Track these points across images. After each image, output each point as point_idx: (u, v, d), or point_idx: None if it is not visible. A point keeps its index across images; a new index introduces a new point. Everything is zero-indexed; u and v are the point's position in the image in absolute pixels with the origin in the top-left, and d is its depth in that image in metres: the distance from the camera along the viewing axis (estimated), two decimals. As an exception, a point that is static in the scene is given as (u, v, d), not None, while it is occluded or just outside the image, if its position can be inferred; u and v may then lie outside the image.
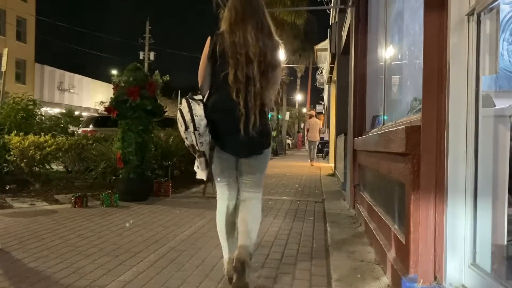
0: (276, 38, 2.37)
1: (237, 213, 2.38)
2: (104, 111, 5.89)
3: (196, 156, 2.27)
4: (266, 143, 2.37)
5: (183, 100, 2.23)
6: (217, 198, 2.44)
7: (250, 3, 2.32)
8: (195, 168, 2.36)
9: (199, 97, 2.28)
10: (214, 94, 2.30)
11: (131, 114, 5.26)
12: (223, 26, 2.33)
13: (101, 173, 6.04)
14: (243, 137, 2.21)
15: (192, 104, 2.19)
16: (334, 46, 9.35)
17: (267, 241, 3.33)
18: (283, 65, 2.41)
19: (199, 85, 2.35)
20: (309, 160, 13.89)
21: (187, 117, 2.17)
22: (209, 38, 2.32)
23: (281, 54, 2.41)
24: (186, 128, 2.19)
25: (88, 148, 6.44)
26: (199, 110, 2.19)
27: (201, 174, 2.36)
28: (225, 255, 2.38)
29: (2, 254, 2.85)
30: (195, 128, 2.17)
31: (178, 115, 2.21)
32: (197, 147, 2.22)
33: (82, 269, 2.56)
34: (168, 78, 5.91)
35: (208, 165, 2.30)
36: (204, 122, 2.19)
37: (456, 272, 1.90)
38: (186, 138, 2.23)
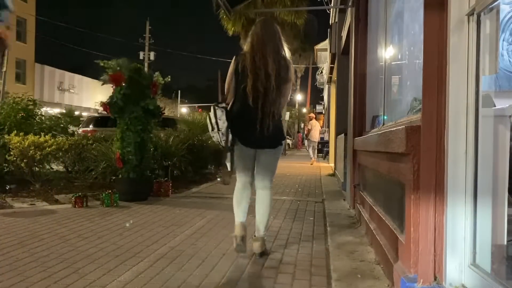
0: (289, 59, 2.93)
1: (249, 192, 2.97)
2: (103, 110, 5.89)
3: (224, 151, 2.89)
4: (279, 139, 2.95)
5: (211, 108, 2.83)
6: (237, 181, 3.01)
7: (268, 30, 2.90)
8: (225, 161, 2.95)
9: (223, 105, 2.85)
10: (236, 102, 2.88)
11: (122, 104, 5.21)
12: (246, 48, 2.89)
13: (101, 173, 6.04)
14: (260, 134, 2.78)
15: (217, 111, 2.80)
16: (334, 46, 9.35)
17: (267, 241, 3.32)
18: (293, 81, 2.99)
19: (225, 95, 2.92)
20: (311, 159, 13.93)
21: (213, 120, 2.80)
22: (234, 57, 2.89)
23: (292, 72, 2.94)
24: (213, 129, 2.83)
25: (88, 148, 6.43)
26: (222, 115, 2.80)
27: (227, 165, 2.94)
28: (237, 219, 2.90)
29: (2, 254, 2.85)
30: (218, 129, 2.81)
31: (207, 119, 2.87)
32: (221, 143, 2.85)
33: (82, 269, 2.57)
34: (169, 80, 5.91)
35: (232, 158, 2.90)
36: (225, 124, 2.80)
37: (456, 272, 1.90)
38: (213, 136, 2.89)
